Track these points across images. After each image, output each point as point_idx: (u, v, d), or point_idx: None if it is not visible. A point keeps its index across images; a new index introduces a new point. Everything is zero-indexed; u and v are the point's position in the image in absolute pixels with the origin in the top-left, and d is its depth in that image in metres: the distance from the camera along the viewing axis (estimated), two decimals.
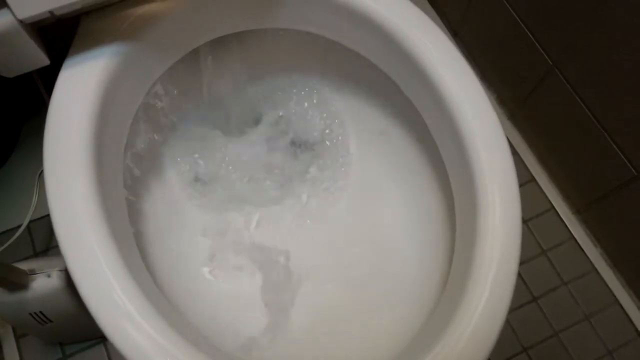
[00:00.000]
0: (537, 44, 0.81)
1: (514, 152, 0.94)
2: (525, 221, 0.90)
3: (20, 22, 0.45)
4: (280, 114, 0.74)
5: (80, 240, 0.44)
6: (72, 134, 0.47)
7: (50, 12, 0.46)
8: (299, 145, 0.75)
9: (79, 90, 0.49)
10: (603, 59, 0.71)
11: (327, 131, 0.74)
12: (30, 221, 0.81)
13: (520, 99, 0.92)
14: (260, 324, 0.64)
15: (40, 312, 0.63)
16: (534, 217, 0.90)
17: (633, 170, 0.73)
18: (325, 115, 0.74)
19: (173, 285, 0.58)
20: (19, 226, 0.79)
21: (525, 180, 0.93)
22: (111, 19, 0.53)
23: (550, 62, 0.80)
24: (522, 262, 0.47)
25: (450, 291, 0.49)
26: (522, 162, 0.94)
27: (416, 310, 0.56)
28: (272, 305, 0.66)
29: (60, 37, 0.52)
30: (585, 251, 0.88)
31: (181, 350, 0.42)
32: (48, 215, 0.84)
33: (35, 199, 0.81)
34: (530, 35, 0.82)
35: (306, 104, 0.74)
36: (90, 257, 0.43)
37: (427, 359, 0.43)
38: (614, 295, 0.85)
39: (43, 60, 0.50)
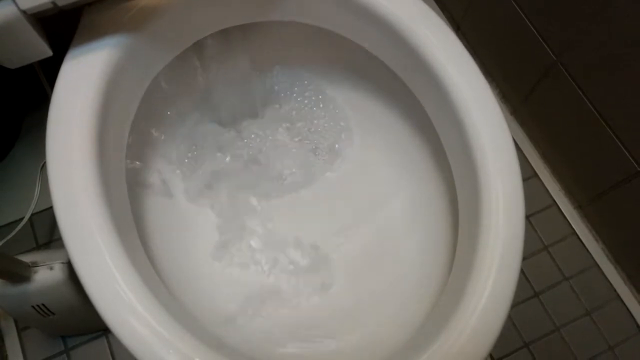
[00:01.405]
0: (540, 39, 0.81)
1: (516, 148, 0.93)
2: (527, 216, 0.90)
3: (23, 12, 0.45)
4: (284, 106, 0.74)
5: (84, 233, 0.44)
6: (75, 125, 0.47)
7: (53, 2, 0.46)
8: (302, 138, 0.74)
9: (82, 81, 0.49)
10: (607, 53, 0.70)
11: (330, 125, 0.74)
12: (33, 214, 0.81)
13: (522, 94, 0.92)
14: (261, 317, 0.64)
15: (43, 304, 0.64)
16: (536, 212, 0.90)
17: (636, 166, 0.73)
18: (328, 109, 0.74)
19: (175, 276, 0.58)
20: (21, 219, 0.80)
21: (528, 176, 0.92)
22: (114, 11, 0.52)
23: (554, 57, 0.80)
24: (524, 258, 0.47)
25: (453, 285, 0.49)
26: (525, 157, 0.94)
27: (418, 305, 0.56)
28: (273, 301, 0.66)
29: (62, 29, 0.51)
30: (587, 246, 0.88)
31: (184, 342, 0.42)
32: (50, 208, 0.85)
33: (37, 191, 0.81)
34: (533, 30, 0.81)
35: (310, 98, 0.74)
36: (93, 250, 0.43)
37: (428, 354, 0.43)
38: (615, 291, 0.85)
39: (46, 51, 0.49)
